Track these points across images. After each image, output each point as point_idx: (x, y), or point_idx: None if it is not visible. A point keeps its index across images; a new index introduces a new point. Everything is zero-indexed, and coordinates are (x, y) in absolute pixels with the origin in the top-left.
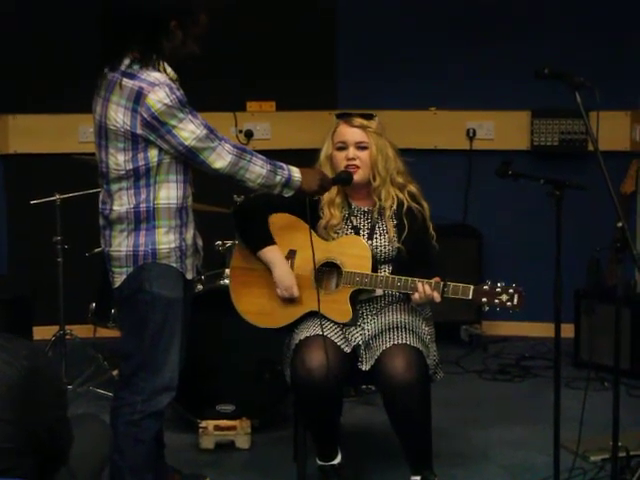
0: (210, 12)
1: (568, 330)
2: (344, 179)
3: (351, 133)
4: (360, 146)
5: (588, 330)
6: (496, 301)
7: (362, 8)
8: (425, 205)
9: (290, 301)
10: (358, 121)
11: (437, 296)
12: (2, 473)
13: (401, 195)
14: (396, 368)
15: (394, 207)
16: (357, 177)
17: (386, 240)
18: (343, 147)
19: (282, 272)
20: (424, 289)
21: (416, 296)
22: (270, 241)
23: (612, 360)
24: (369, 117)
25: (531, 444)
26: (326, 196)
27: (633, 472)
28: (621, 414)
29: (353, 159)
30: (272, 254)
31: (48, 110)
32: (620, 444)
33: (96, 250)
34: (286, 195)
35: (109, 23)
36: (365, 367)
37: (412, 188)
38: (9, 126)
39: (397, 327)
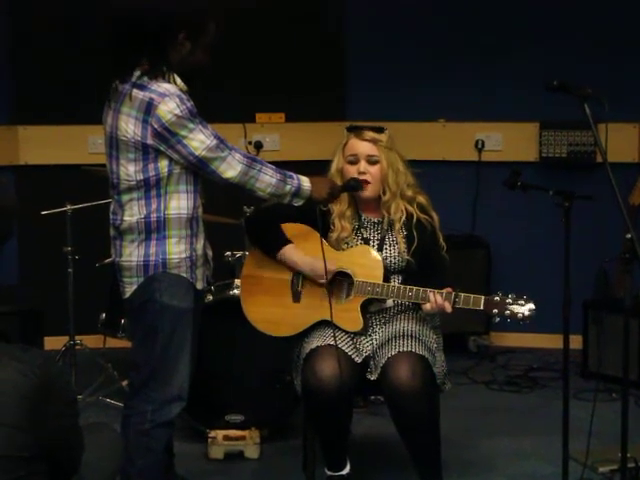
0: (219, 23)
1: (576, 341)
2: (353, 186)
3: (362, 146)
4: (371, 160)
5: (596, 341)
6: (507, 312)
7: (372, 20)
8: (434, 216)
9: (301, 310)
10: (369, 135)
11: (448, 306)
12: None
13: (410, 208)
14: (400, 376)
15: (403, 219)
16: (368, 192)
17: (396, 252)
18: (354, 161)
19: (310, 263)
20: (435, 299)
21: (427, 306)
22: (287, 241)
23: (620, 371)
24: (380, 130)
25: (540, 455)
26: (336, 209)
27: None
28: (630, 425)
29: (364, 173)
30: (293, 252)
31: (58, 121)
32: (629, 455)
33: (106, 261)
34: (296, 204)
35: (118, 35)
36: (373, 377)
37: (421, 199)
38: (19, 137)
39: (403, 335)
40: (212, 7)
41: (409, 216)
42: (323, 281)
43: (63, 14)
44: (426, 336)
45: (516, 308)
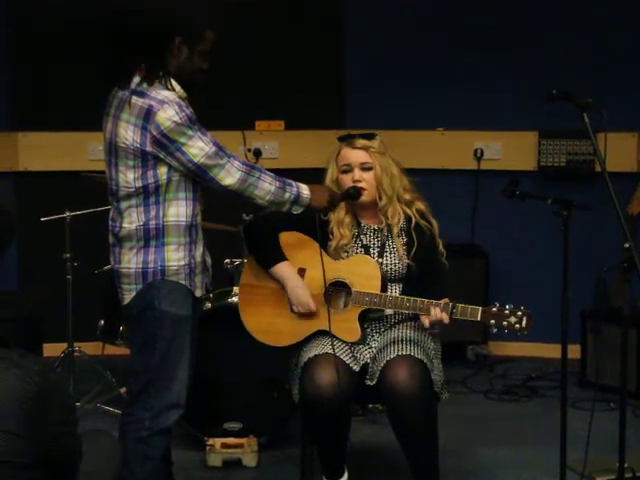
0: (217, 29)
1: (574, 351)
2: (352, 194)
3: (354, 155)
4: (364, 167)
5: (594, 351)
6: (504, 323)
7: (371, 28)
8: (434, 222)
9: (299, 319)
10: (360, 142)
11: (446, 317)
12: None
13: (409, 211)
14: (399, 379)
15: (401, 223)
16: (364, 197)
17: (396, 258)
18: (348, 170)
19: (296, 288)
20: (433, 311)
21: (426, 321)
22: (282, 257)
23: (618, 381)
24: (371, 137)
25: (537, 464)
26: (335, 216)
27: None
28: (627, 435)
29: (359, 180)
30: (285, 270)
31: (58, 128)
32: (626, 465)
33: (105, 267)
34: (295, 212)
35: (115, 41)
36: (372, 382)
37: (420, 206)
38: (19, 143)
39: (402, 340)
40: (210, 14)
41: (408, 219)
42: (299, 310)
43: (63, 20)
44: (424, 342)
45: (513, 319)
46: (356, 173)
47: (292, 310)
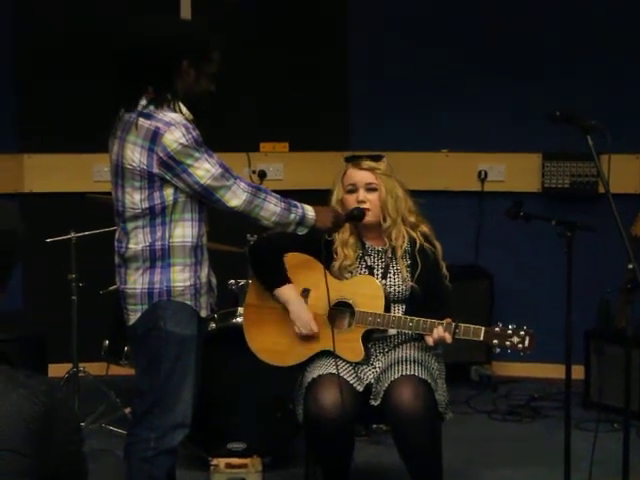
0: (223, 51)
1: (578, 371)
2: (356, 216)
3: (360, 176)
4: (370, 187)
5: (598, 371)
6: (507, 343)
7: (376, 50)
8: (438, 245)
9: (303, 340)
10: (367, 163)
11: (449, 337)
12: None
13: (413, 233)
14: (403, 399)
15: (405, 245)
16: (368, 218)
17: (400, 279)
18: (353, 190)
19: (299, 310)
20: (436, 330)
21: (429, 340)
22: (286, 280)
23: (622, 401)
24: (377, 159)
25: None
26: (339, 237)
27: None
28: (631, 455)
29: (363, 201)
30: (288, 292)
31: (63, 150)
32: None
33: (110, 288)
34: (300, 233)
35: (122, 64)
36: (376, 402)
37: (424, 228)
38: (24, 165)
39: (406, 360)
40: (215, 36)
41: (412, 242)
42: (302, 332)
43: (69, 43)
44: (428, 363)
45: (516, 339)
46: (361, 194)
47: (296, 331)
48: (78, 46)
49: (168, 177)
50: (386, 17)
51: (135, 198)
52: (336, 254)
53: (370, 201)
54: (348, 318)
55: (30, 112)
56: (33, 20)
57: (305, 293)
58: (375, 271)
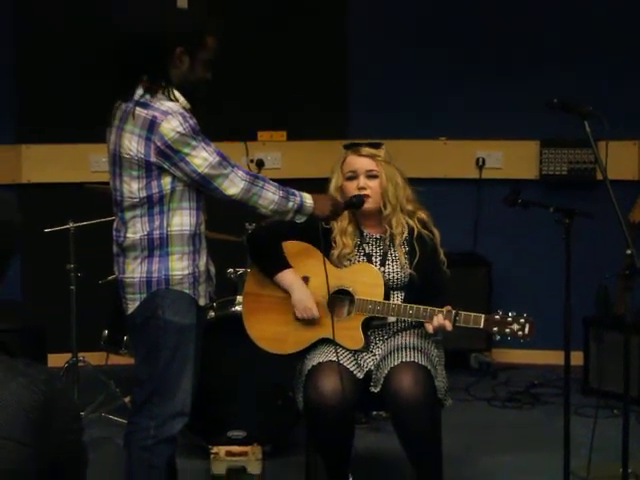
0: (218, 38)
1: (577, 357)
2: (355, 203)
3: (360, 162)
4: (370, 174)
5: (597, 357)
6: (507, 330)
7: (374, 39)
8: (436, 232)
9: (303, 327)
10: (367, 150)
11: (449, 325)
12: None
13: (411, 222)
14: (403, 385)
15: (405, 234)
16: (368, 205)
17: (398, 267)
18: (353, 177)
19: (301, 294)
20: (436, 318)
21: (429, 327)
22: (286, 265)
23: (621, 387)
24: (377, 146)
25: (541, 471)
26: (338, 225)
27: None
28: (630, 441)
29: (364, 188)
30: (290, 277)
31: (61, 140)
32: (630, 471)
33: (109, 278)
34: (298, 221)
35: (116, 53)
36: (376, 389)
37: (422, 215)
38: (22, 156)
39: (406, 347)
40: (211, 22)
41: (410, 230)
42: (304, 317)
43: (65, 34)
44: (428, 350)
45: (516, 327)
46: (361, 180)
47: (296, 318)
48: (75, 37)
49: (166, 166)
50: (386, 1)
51: (133, 187)
52: (334, 242)
53: (371, 188)
54: (347, 306)
55: (28, 103)
56: (33, 9)
57: (304, 281)
58: (373, 259)
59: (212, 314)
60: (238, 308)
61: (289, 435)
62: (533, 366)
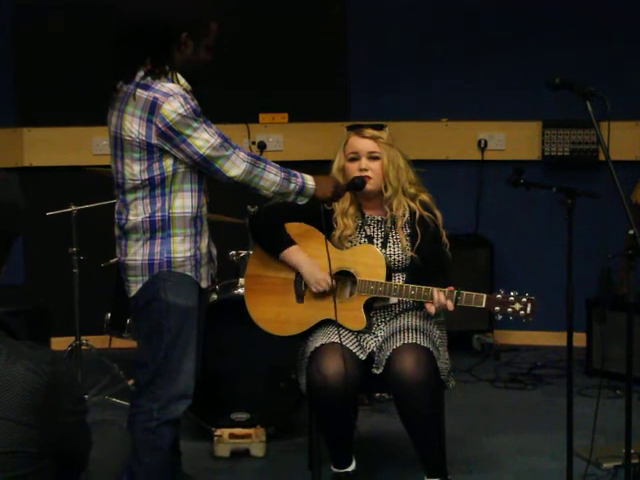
0: (221, 22)
1: (580, 338)
2: (357, 184)
3: (363, 144)
4: (372, 156)
5: (600, 338)
6: (509, 310)
7: (374, 20)
8: (438, 214)
9: (305, 309)
10: (369, 132)
11: (450, 304)
12: (25, 477)
13: (413, 204)
14: (405, 367)
15: (406, 216)
16: (369, 186)
17: (399, 249)
18: (355, 158)
19: (310, 266)
20: (438, 297)
21: (431, 308)
22: (291, 242)
23: (624, 368)
24: (380, 128)
25: (544, 451)
26: (339, 207)
27: None
28: (634, 421)
29: (366, 169)
30: (296, 253)
31: (62, 123)
32: (633, 451)
33: (111, 261)
34: (300, 203)
35: (121, 36)
36: (378, 370)
37: (424, 197)
38: (24, 139)
39: (408, 328)
40: (214, 7)
41: (412, 213)
42: (319, 289)
43: (66, 17)
44: (430, 331)
45: (518, 306)
46: (363, 162)
47: (298, 299)
48: (77, 20)
49: (167, 148)
50: None
51: (134, 169)
52: (336, 223)
53: (372, 169)
54: (350, 287)
55: (29, 86)
56: None
57: None
58: (375, 240)
59: (214, 297)
60: (240, 291)
61: (292, 417)
62: (536, 347)
